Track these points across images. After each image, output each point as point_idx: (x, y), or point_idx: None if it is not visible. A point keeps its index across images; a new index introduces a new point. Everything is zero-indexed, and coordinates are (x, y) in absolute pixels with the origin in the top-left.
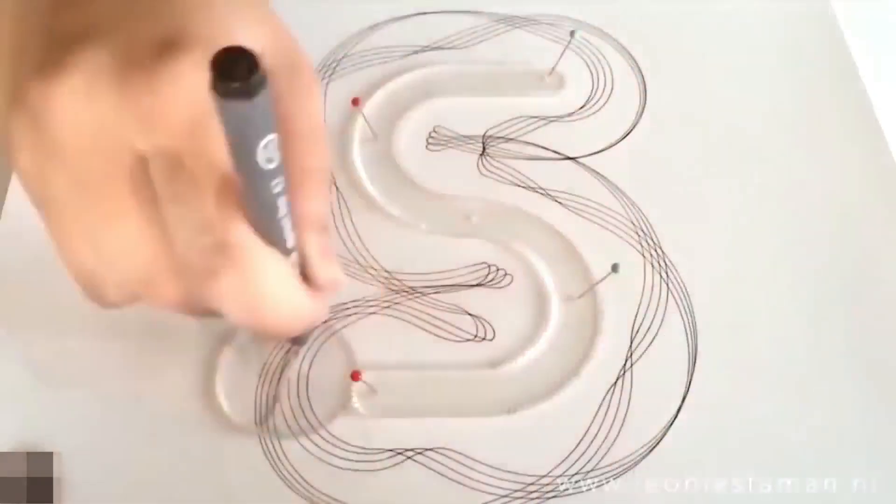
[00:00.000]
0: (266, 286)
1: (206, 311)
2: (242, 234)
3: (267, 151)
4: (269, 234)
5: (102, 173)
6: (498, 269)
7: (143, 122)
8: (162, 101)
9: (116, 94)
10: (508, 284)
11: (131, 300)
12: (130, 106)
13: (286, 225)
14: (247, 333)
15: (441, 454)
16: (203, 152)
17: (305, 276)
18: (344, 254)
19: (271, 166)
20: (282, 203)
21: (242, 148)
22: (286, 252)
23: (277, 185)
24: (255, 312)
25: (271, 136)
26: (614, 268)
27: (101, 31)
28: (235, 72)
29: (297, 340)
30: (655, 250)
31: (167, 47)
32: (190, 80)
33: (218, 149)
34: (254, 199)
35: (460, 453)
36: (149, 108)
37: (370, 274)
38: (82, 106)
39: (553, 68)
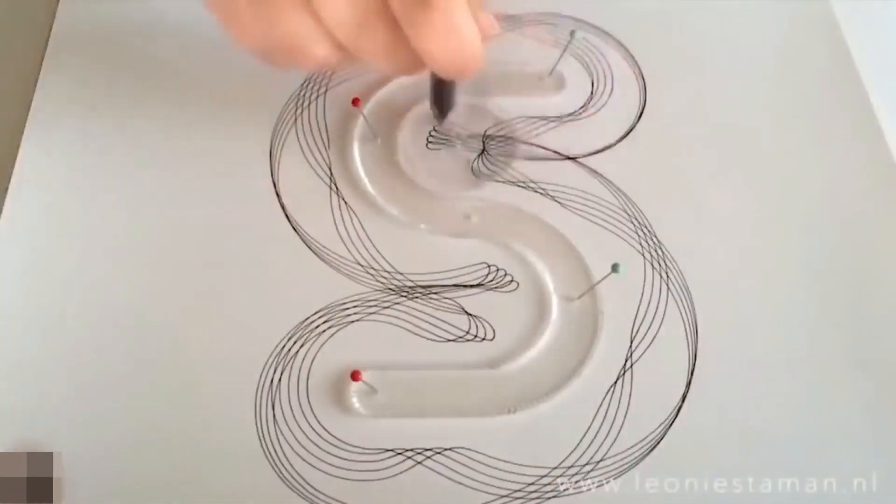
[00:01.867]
0: (465, 20)
1: (408, 63)
2: None
3: None
4: None
5: None
6: (498, 269)
7: None
8: None
9: None
10: (514, 290)
11: (339, 53)
12: None
13: None
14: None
15: (441, 454)
16: None
17: None
18: (344, 254)
19: None
20: None
21: None
22: None
23: None
24: (459, 42)
25: None
26: (614, 268)
27: None
28: None
29: (445, 107)
30: (655, 250)
31: None
32: None
33: None
34: None
35: (460, 453)
36: None
37: (370, 274)
38: None
39: (553, 68)
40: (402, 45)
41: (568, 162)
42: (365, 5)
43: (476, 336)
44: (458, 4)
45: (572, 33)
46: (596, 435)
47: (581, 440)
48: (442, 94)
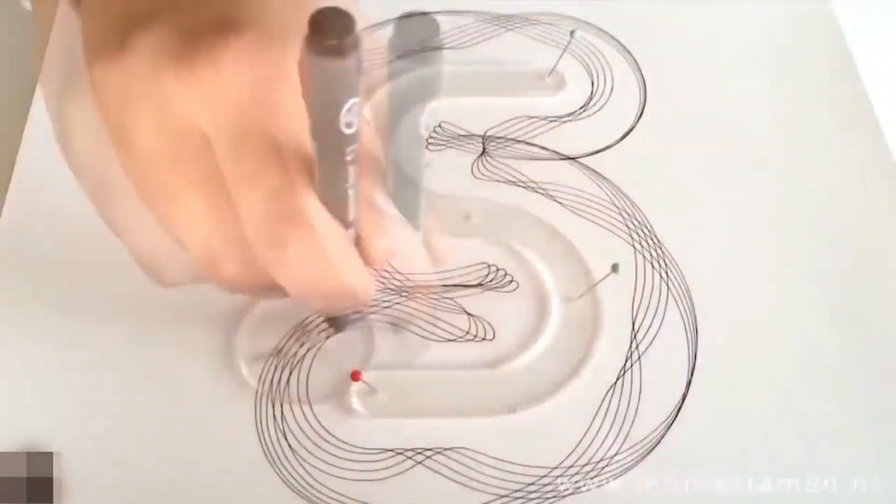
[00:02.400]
0: (333, 255)
1: (266, 289)
2: (311, 202)
3: (349, 115)
4: (335, 204)
5: (168, 153)
6: (498, 269)
7: (206, 101)
8: (225, 79)
9: (179, 75)
10: (514, 290)
11: (193, 279)
12: (194, 85)
13: (352, 195)
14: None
15: (441, 454)
16: (268, 125)
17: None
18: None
19: (350, 131)
20: (352, 172)
21: (327, 109)
22: (347, 225)
23: (351, 153)
24: (322, 282)
25: (355, 100)
26: (614, 268)
27: (161, 15)
28: (331, 31)
29: (339, 325)
30: (655, 250)
31: (224, 28)
32: (251, 57)
33: (283, 121)
34: (328, 165)
35: (460, 453)
36: (212, 86)
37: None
38: (146, 87)
39: (553, 68)
40: (254, 275)
41: (568, 162)
42: (215, 230)
43: (476, 336)
44: (329, 239)
45: (572, 33)
46: (596, 435)
47: (581, 440)
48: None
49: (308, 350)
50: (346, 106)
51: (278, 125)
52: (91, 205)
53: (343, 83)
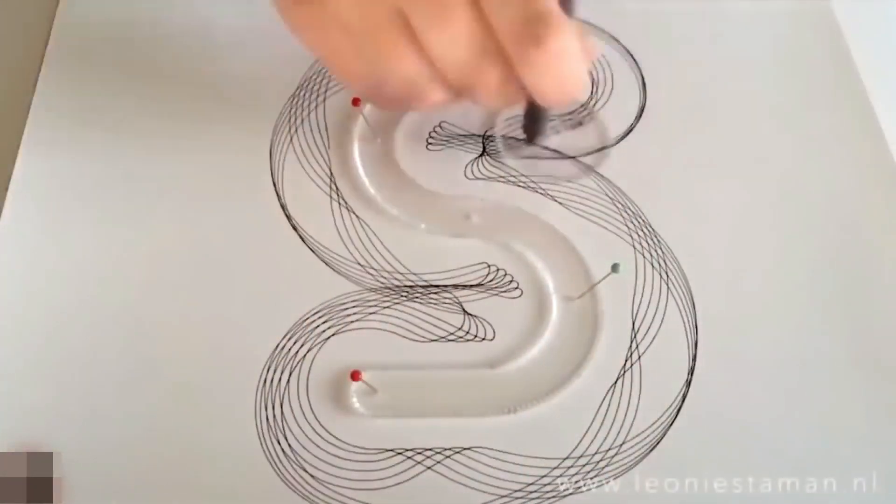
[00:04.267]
0: (576, 55)
1: (516, 97)
2: (554, 3)
3: None
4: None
5: None
6: (498, 269)
7: None
8: None
9: None
10: (514, 290)
11: (456, 94)
12: None
13: None
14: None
15: (441, 454)
16: None
17: None
18: (344, 254)
19: None
20: None
21: None
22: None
23: None
24: (570, 73)
25: None
26: (614, 268)
27: None
28: None
29: (539, 131)
30: (655, 250)
31: None
32: None
33: None
34: None
35: (460, 453)
36: None
37: (370, 274)
38: None
39: None
40: (512, 83)
41: (568, 162)
42: (478, 46)
43: (476, 336)
44: (571, 40)
45: None
46: (596, 435)
47: (581, 440)
48: (537, 120)
49: (309, 350)
50: None
51: None
52: (333, 69)
53: None
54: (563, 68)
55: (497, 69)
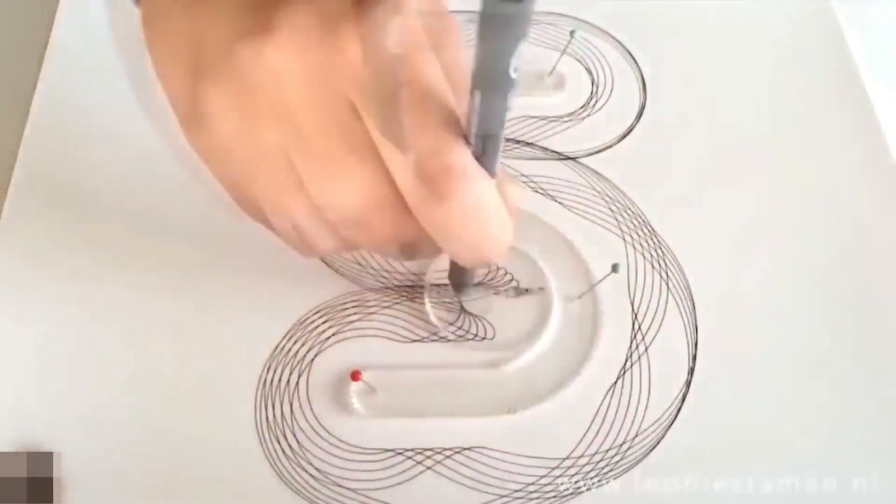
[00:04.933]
0: (492, 208)
1: (417, 248)
2: (465, 154)
3: (516, 60)
4: (488, 156)
5: (319, 124)
6: (498, 269)
7: (356, 69)
8: (373, 43)
9: (327, 46)
10: (519, 297)
11: (345, 246)
12: (342, 55)
13: (501, 146)
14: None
15: (441, 454)
16: (421, 80)
17: None
18: (344, 254)
19: (516, 76)
20: (505, 121)
21: (498, 55)
22: (493, 175)
23: (512, 97)
24: (482, 234)
25: (522, 45)
26: (614, 268)
27: None
28: None
29: (465, 285)
30: (656, 250)
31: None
32: (394, 21)
33: (426, 80)
34: (490, 113)
35: (460, 453)
36: (360, 52)
37: (370, 274)
38: (295, 61)
39: (553, 68)
40: (419, 241)
41: (568, 162)
42: (375, 200)
43: (476, 336)
44: (485, 196)
45: (572, 33)
46: (596, 435)
47: (581, 440)
48: (461, 273)
49: (309, 350)
50: (517, 50)
51: (422, 85)
52: (228, 192)
53: (517, 27)
54: (472, 227)
55: (397, 226)
